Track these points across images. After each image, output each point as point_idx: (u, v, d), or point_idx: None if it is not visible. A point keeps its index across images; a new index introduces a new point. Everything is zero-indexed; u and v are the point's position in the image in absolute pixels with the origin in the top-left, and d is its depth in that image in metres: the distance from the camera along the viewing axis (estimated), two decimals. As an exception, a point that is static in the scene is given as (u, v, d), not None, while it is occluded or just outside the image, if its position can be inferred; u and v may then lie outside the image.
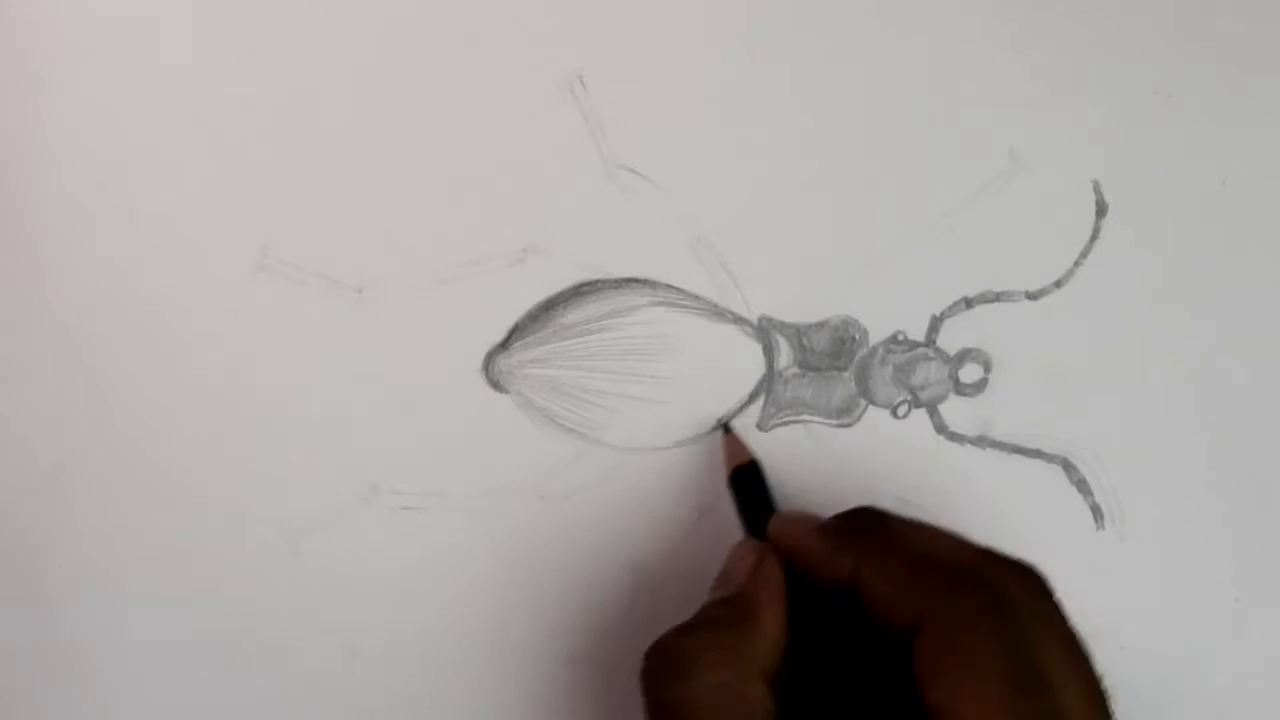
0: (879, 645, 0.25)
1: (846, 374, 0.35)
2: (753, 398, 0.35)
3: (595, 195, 0.34)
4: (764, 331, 0.35)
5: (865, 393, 0.35)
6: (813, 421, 0.35)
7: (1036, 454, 0.36)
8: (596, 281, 0.34)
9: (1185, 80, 0.35)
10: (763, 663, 0.26)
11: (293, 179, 0.33)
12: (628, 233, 0.34)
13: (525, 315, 0.34)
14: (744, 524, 0.31)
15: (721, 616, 0.27)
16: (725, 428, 0.33)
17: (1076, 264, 0.35)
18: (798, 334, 0.35)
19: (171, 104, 0.32)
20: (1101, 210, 0.35)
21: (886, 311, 0.35)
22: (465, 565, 0.34)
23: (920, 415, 0.35)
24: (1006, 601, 0.25)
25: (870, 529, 0.27)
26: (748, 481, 0.32)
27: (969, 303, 0.35)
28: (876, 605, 0.26)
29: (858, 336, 0.35)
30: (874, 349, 0.35)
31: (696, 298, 0.34)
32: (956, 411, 0.35)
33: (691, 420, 0.35)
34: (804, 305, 0.35)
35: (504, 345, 0.34)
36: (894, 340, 0.35)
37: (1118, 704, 0.25)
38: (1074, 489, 0.36)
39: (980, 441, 0.36)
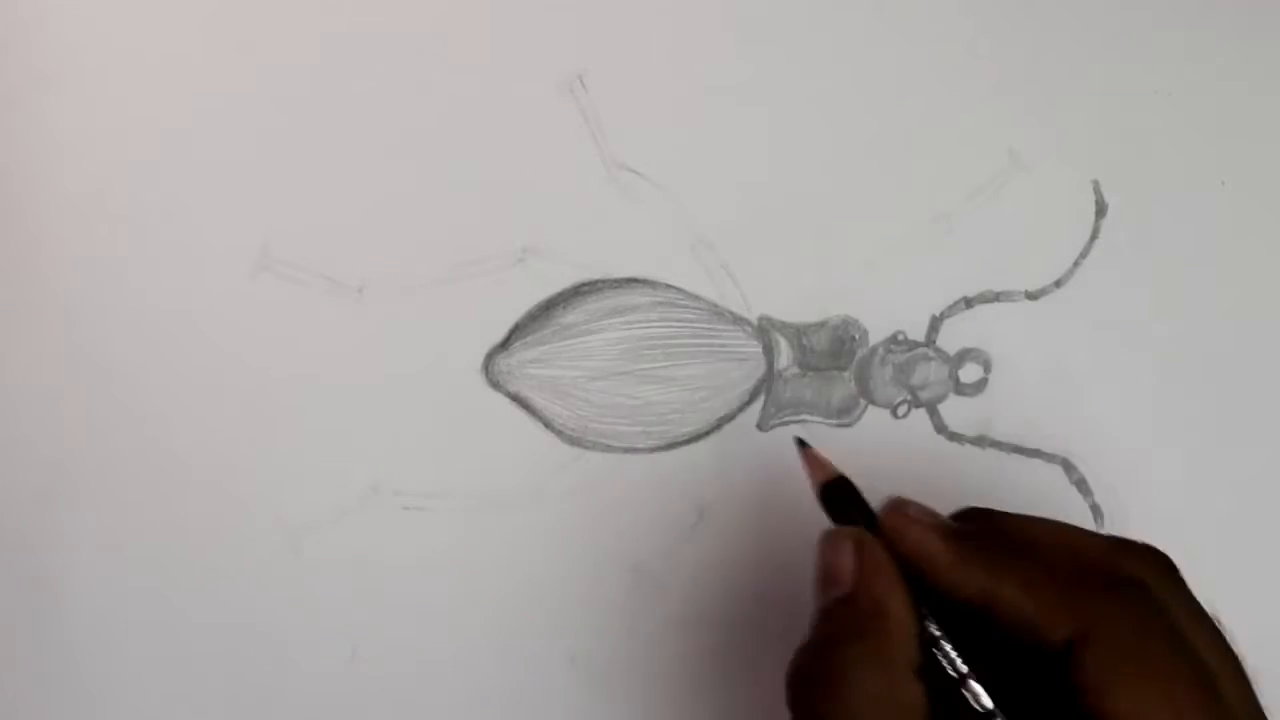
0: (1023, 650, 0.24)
1: (846, 374, 0.35)
2: (753, 398, 0.35)
3: (595, 195, 0.34)
4: (764, 331, 0.35)
5: (865, 393, 0.35)
6: (813, 421, 0.35)
7: (1036, 454, 0.36)
8: (596, 281, 0.34)
9: (1185, 80, 0.35)
10: (907, 656, 0.24)
11: (293, 179, 0.33)
12: (628, 233, 0.34)
13: (525, 315, 0.34)
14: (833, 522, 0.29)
15: (851, 620, 0.25)
16: (800, 442, 0.29)
17: (1076, 264, 0.35)
18: (798, 334, 0.35)
19: (172, 104, 0.32)
20: (1101, 210, 0.35)
21: (886, 311, 0.35)
22: (465, 565, 0.34)
23: (920, 415, 0.35)
24: (1157, 598, 0.24)
25: (999, 541, 0.26)
26: (840, 497, 0.29)
27: (969, 303, 0.35)
28: (1021, 622, 0.24)
29: (858, 336, 0.35)
30: (874, 349, 0.35)
31: (696, 298, 0.34)
32: (956, 411, 0.35)
33: (691, 420, 0.35)
34: (804, 305, 0.35)
35: (504, 345, 0.34)
36: (894, 340, 0.35)
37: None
38: (1074, 489, 0.36)
39: (980, 441, 0.36)
